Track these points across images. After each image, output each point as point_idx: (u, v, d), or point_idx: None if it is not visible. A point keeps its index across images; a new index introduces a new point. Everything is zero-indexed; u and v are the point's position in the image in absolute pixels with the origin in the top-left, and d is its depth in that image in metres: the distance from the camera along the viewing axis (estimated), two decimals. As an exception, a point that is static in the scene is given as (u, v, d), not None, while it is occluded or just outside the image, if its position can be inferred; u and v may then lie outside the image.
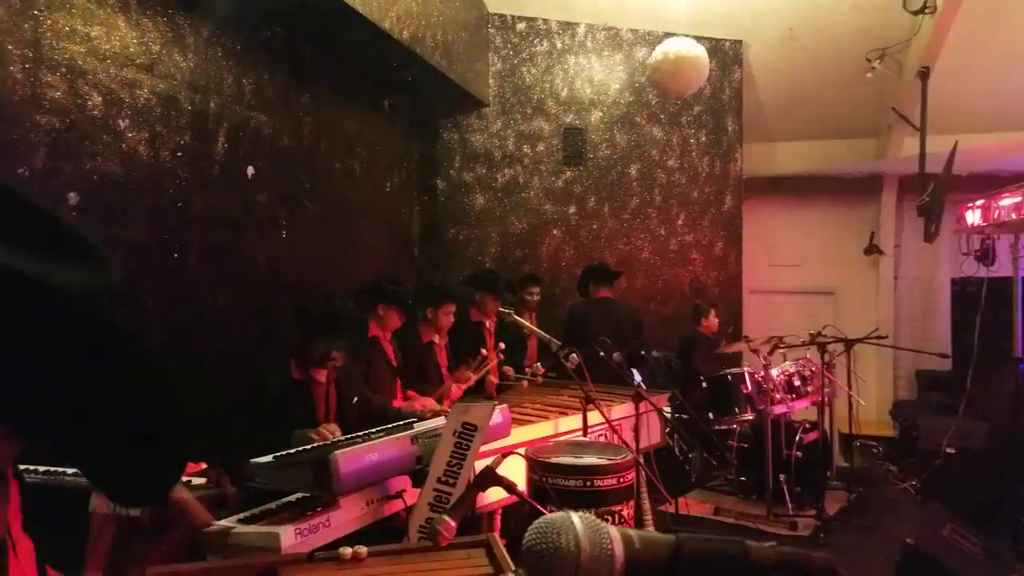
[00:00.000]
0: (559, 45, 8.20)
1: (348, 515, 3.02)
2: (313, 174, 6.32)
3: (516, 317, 5.75)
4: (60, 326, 0.62)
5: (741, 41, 8.32)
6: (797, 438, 6.20)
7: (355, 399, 3.99)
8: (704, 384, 6.50)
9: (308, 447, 3.10)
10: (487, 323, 6.12)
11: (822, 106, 8.76)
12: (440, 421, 3.44)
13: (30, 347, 0.61)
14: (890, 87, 8.14)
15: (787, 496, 6.05)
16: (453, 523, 2.04)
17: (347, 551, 2.37)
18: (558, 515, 0.69)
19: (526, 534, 0.69)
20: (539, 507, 1.94)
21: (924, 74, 7.49)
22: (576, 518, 0.68)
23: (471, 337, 5.84)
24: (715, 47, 8.10)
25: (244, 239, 5.46)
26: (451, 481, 3.10)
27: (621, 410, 5.19)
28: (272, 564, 2.33)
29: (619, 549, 0.67)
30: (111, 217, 4.30)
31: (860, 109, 8.72)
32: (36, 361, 0.62)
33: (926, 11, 6.95)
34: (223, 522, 2.91)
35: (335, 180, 6.69)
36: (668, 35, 7.29)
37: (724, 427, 6.42)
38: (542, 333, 5.66)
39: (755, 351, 6.24)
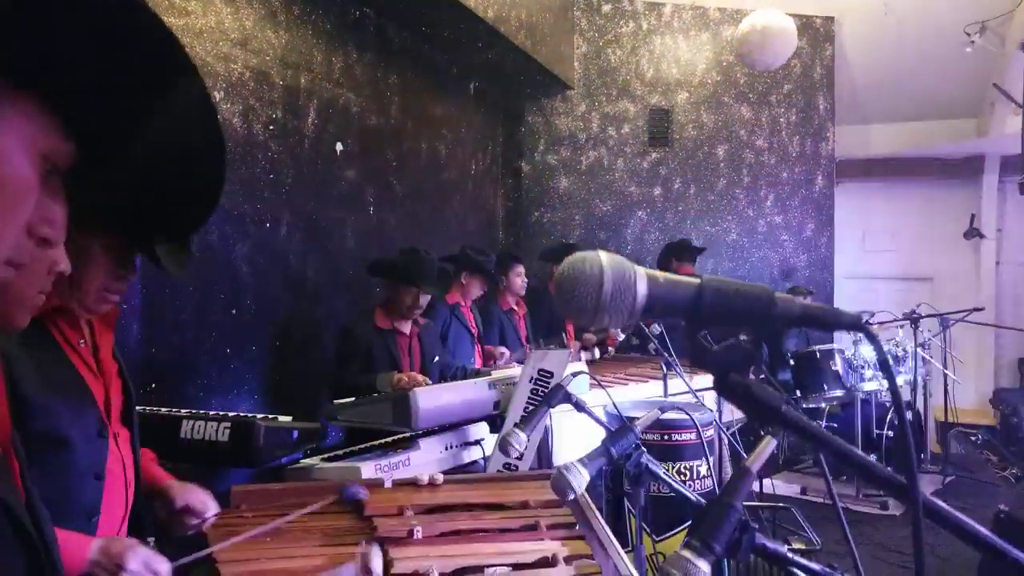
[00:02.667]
0: (645, 26, 8.16)
1: (427, 456, 3.10)
2: (400, 154, 6.45)
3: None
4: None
5: (832, 18, 8.13)
6: (888, 417, 6.02)
7: (436, 358, 4.07)
8: (792, 362, 6.37)
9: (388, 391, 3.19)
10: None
11: (919, 84, 8.48)
12: (517, 369, 3.49)
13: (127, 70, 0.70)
14: (991, 62, 7.82)
15: (878, 476, 5.87)
16: (524, 436, 2.08)
17: (424, 477, 2.43)
18: (588, 251, 0.72)
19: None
20: (606, 426, 1.96)
21: (1028, 47, 7.18)
22: (603, 252, 0.71)
23: (548, 310, 5.87)
24: (805, 24, 7.93)
25: (333, 213, 5.61)
26: (528, 428, 3.14)
27: (703, 381, 5.14)
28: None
29: (642, 284, 0.70)
30: (206, 185, 4.48)
31: (959, 87, 8.40)
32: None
33: (1029, -21, 6.67)
34: (308, 460, 3.03)
35: (421, 161, 6.81)
36: (756, 12, 7.18)
37: (812, 406, 6.28)
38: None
39: (844, 327, 6.09)
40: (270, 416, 2.90)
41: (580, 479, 1.55)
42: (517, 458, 2.73)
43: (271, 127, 4.98)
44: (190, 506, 1.98)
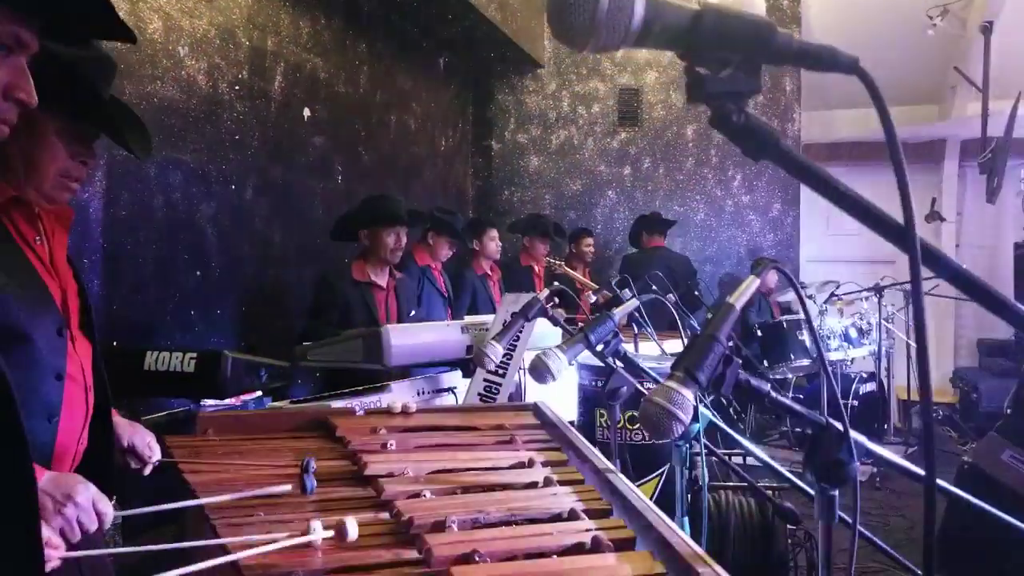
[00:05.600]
0: (614, 5, 8.15)
1: (399, 400, 3.05)
2: (369, 124, 6.39)
3: (566, 268, 5.77)
4: None
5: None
6: (853, 388, 6.09)
7: (412, 313, 4.04)
8: (759, 332, 6.41)
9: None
10: (536, 268, 6.12)
11: (883, 69, 8.41)
12: (490, 317, 3.46)
13: None
14: (952, 46, 7.93)
15: (843, 445, 5.94)
16: (500, 348, 2.05)
17: (397, 405, 2.40)
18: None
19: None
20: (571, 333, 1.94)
21: (987, 29, 7.28)
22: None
23: (520, 281, 5.86)
24: (773, 5, 7.99)
25: (300, 179, 5.54)
26: (501, 372, 3.11)
27: (673, 346, 5.15)
28: (324, 414, 2.38)
29: (640, 1, 0.67)
30: (169, 141, 4.40)
31: (921, 71, 8.48)
32: None
33: (989, -39, 6.77)
34: (275, 404, 2.98)
35: (391, 133, 6.75)
36: (724, -11, 7.19)
37: (779, 376, 6.33)
38: (592, 284, 5.67)
39: (810, 297, 6.15)
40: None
41: (558, 363, 1.53)
42: (493, 372, 2.72)
43: (237, 87, 4.91)
44: (135, 447, 1.93)
